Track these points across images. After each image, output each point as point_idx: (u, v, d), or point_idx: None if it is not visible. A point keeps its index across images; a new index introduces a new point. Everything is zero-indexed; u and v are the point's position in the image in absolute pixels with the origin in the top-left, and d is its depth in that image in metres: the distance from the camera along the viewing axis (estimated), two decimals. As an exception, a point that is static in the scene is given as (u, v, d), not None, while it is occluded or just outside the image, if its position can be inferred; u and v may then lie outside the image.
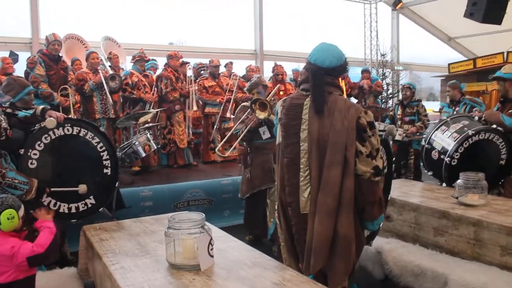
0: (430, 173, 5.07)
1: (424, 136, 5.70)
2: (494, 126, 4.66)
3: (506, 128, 4.61)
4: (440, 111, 7.43)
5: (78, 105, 6.87)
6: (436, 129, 5.03)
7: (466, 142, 4.58)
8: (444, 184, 4.76)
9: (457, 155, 4.60)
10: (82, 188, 3.70)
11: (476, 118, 4.94)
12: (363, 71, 10.02)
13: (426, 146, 5.05)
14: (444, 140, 4.83)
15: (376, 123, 6.84)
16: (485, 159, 4.64)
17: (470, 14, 9.20)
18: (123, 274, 2.34)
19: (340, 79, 9.08)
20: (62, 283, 2.90)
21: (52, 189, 3.58)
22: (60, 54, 6.47)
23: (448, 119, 5.04)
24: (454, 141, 4.67)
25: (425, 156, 5.10)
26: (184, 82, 7.60)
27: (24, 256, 2.62)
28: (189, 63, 8.10)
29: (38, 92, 5.93)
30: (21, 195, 3.29)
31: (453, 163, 4.59)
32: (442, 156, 4.74)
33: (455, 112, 6.28)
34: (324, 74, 2.63)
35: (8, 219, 2.63)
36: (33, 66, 6.02)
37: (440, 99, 14.10)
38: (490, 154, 4.67)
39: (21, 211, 2.76)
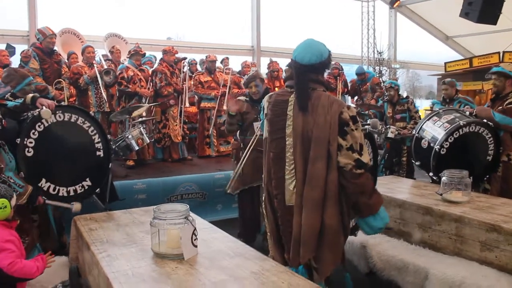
0: (417, 163, 5.12)
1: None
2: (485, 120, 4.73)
3: (496, 124, 4.68)
4: (431, 108, 7.47)
5: (74, 98, 6.94)
6: (428, 119, 5.08)
7: (457, 132, 4.63)
8: (431, 174, 4.83)
9: (446, 144, 4.64)
10: (76, 206, 3.78)
11: (467, 113, 4.99)
12: (357, 74, 10.03)
13: (416, 135, 5.10)
14: (435, 129, 4.88)
15: (369, 120, 6.86)
16: (473, 153, 4.71)
17: (465, 14, 9.27)
18: (109, 262, 2.42)
19: (337, 78, 9.15)
20: (53, 270, 2.98)
21: (46, 201, 3.66)
22: (54, 48, 6.53)
23: (440, 111, 5.09)
24: (445, 130, 4.72)
25: (415, 145, 5.14)
26: (180, 78, 7.67)
27: None
28: (185, 59, 8.15)
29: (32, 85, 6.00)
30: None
31: (442, 152, 4.64)
32: (431, 145, 4.79)
33: None
34: (307, 71, 2.69)
35: (0, 208, 2.71)
36: (27, 60, 6.10)
37: (437, 97, 14.18)
38: (478, 149, 4.73)
39: (13, 201, 2.83)
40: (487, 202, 3.83)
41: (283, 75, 9.49)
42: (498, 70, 4.92)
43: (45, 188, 3.71)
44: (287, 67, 2.94)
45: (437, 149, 4.66)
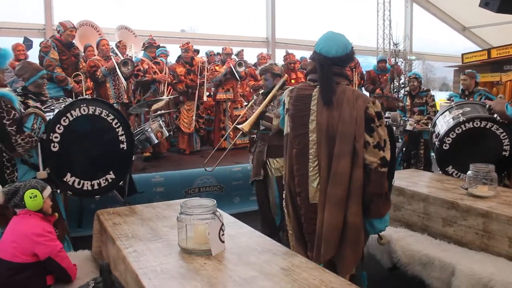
0: (433, 155, 5.22)
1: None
2: (495, 116, 4.62)
3: (507, 118, 4.52)
4: (450, 101, 7.35)
5: (90, 91, 6.96)
6: (441, 114, 5.13)
7: (459, 128, 4.65)
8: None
9: (448, 140, 4.68)
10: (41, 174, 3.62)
11: (487, 106, 4.91)
12: (379, 61, 9.96)
13: (431, 129, 5.21)
14: (442, 124, 4.92)
15: (387, 113, 6.80)
16: (483, 148, 4.63)
17: (485, 4, 9.05)
18: (136, 258, 2.40)
19: (353, 70, 9.10)
20: (78, 265, 2.99)
21: None
22: (73, 41, 6.52)
23: (454, 105, 5.10)
24: (447, 125, 4.76)
25: (430, 139, 5.23)
26: (197, 73, 7.63)
27: (48, 254, 2.69)
28: (198, 51, 8.12)
29: (53, 76, 6.02)
30: None
31: (444, 147, 4.69)
32: (434, 140, 4.89)
33: None
34: (331, 64, 2.64)
35: (31, 198, 2.75)
36: (48, 50, 6.10)
37: (453, 89, 13.97)
38: (489, 144, 4.65)
39: (46, 192, 2.87)
40: (514, 197, 3.75)
41: (299, 67, 9.42)
42: None
43: (70, 183, 3.73)
44: (310, 60, 2.89)
45: (437, 145, 4.72)
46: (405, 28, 15.46)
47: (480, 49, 14.27)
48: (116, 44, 7.60)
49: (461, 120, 4.64)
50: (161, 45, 8.53)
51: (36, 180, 2.92)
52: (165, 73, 7.23)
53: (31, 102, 3.77)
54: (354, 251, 2.60)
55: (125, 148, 4.06)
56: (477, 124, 4.61)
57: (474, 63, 12.42)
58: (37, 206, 2.78)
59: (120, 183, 4.09)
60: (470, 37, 16.33)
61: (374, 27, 14.49)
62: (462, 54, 12.90)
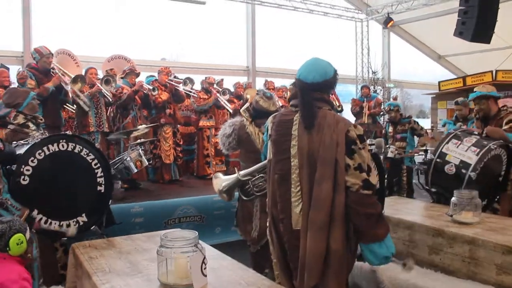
0: (433, 189, 4.73)
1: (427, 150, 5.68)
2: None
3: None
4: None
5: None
6: (447, 143, 4.66)
7: (488, 155, 4.32)
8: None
9: (477, 169, 4.27)
10: (71, 230, 3.53)
11: (476, 133, 4.74)
12: (362, 87, 10.19)
13: (437, 160, 4.63)
14: (462, 153, 4.49)
15: (368, 141, 6.84)
16: (492, 175, 4.47)
17: (459, 33, 9.33)
18: (113, 294, 2.27)
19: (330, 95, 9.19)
20: (51, 302, 2.82)
21: (41, 226, 3.46)
22: (51, 68, 6.34)
23: (458, 132, 4.73)
24: (476, 154, 4.35)
25: (434, 171, 4.65)
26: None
27: None
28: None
29: None
30: None
31: (473, 178, 4.24)
32: (463, 171, 4.36)
33: None
34: (311, 89, 2.62)
35: (18, 244, 2.56)
36: (24, 81, 5.92)
37: (430, 116, 14.21)
38: (496, 171, 4.50)
39: (28, 234, 2.68)
40: (499, 223, 3.73)
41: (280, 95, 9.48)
42: (477, 95, 4.74)
43: (35, 220, 3.47)
44: (292, 86, 2.86)
45: (472, 176, 4.23)
46: (383, 57, 15.80)
47: (455, 77, 14.64)
48: (106, 71, 7.53)
49: (491, 147, 4.30)
50: (142, 73, 8.49)
51: (19, 220, 2.72)
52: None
53: (31, 125, 3.76)
54: (339, 279, 2.51)
55: (102, 191, 3.83)
56: (499, 150, 4.37)
57: (450, 90, 12.71)
58: (22, 252, 2.59)
59: (92, 228, 3.84)
60: (445, 65, 16.79)
61: (353, 56, 14.77)
62: (439, 82, 13.22)
